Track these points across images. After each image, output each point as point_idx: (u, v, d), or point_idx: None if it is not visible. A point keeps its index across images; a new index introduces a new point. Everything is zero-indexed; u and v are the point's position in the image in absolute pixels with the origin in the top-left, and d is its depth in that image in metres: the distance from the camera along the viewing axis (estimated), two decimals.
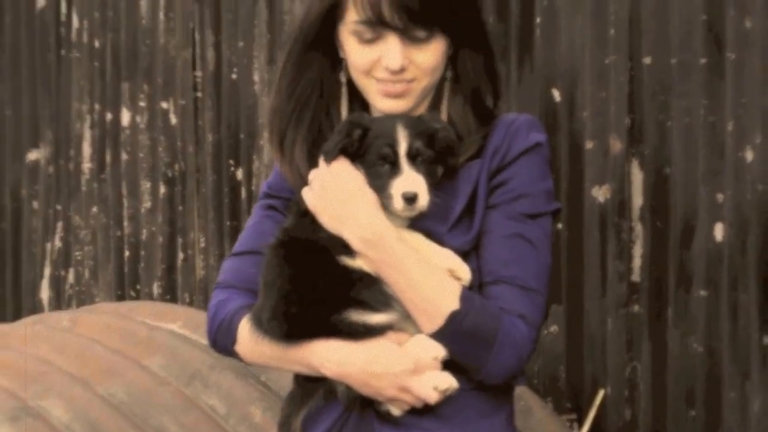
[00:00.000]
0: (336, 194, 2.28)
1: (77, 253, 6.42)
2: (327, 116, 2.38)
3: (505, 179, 2.26)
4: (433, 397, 2.13)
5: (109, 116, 6.22)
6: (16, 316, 6.37)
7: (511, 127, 2.30)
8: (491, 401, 2.33)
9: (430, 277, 2.20)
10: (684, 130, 4.05)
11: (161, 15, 6.15)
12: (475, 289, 2.26)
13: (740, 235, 3.88)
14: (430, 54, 2.29)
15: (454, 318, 2.12)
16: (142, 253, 6.08)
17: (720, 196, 3.89)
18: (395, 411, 2.19)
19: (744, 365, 3.99)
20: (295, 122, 2.37)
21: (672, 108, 4.00)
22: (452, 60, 2.36)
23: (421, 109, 2.35)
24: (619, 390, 4.47)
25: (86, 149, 6.32)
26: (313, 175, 2.33)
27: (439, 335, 2.15)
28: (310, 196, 2.29)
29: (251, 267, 2.38)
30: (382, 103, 2.29)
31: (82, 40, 6.46)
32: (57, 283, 6.51)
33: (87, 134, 6.29)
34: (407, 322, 2.23)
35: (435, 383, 2.13)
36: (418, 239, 2.29)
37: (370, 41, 2.28)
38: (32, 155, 6.51)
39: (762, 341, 3.82)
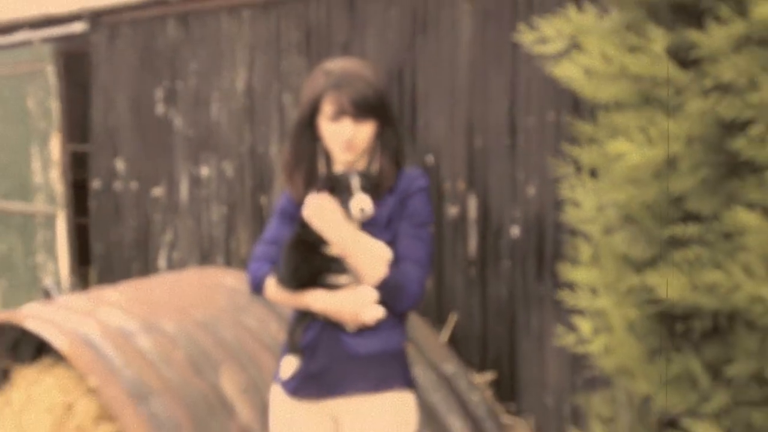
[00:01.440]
0: (322, 214, 3.22)
1: (178, 243, 7.43)
2: (311, 166, 3.36)
3: (408, 205, 3.28)
4: (371, 321, 3.21)
5: (195, 172, 7.21)
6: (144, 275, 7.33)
7: (410, 176, 3.31)
8: (397, 319, 3.30)
9: (370, 259, 3.20)
10: (496, 183, 5.12)
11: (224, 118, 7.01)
12: (392, 264, 3.22)
13: (529, 233, 4.99)
14: (367, 130, 3.24)
15: (383, 279, 3.19)
16: (213, 243, 7.09)
17: (516, 212, 4.98)
18: (350, 327, 3.26)
19: (529, 300, 5.02)
20: (296, 169, 3.37)
21: (490, 171, 5.11)
22: (380, 135, 3.30)
23: (363, 161, 3.30)
24: (463, 315, 5.42)
25: (183, 188, 7.27)
26: (309, 200, 3.24)
27: (376, 288, 3.19)
28: (308, 213, 3.22)
29: (272, 250, 3.38)
30: (343, 156, 3.25)
31: (184, 132, 7.28)
32: (168, 259, 7.47)
33: (185, 181, 7.25)
34: (357, 281, 3.27)
35: (372, 314, 3.20)
36: (366, 237, 3.23)
37: (335, 121, 3.20)
38: (156, 191, 7.47)
39: (538, 291, 4.91)
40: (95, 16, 7.83)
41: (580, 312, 3.09)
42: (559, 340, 3.28)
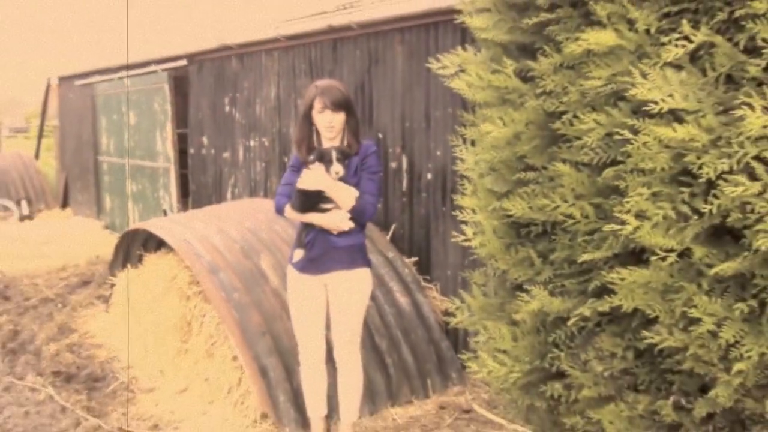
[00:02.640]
0: (315, 179, 3.25)
1: (237, 184, 7.43)
2: (310, 141, 3.37)
3: (365, 162, 3.34)
4: (347, 228, 3.31)
5: (246, 143, 7.16)
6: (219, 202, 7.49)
7: (366, 145, 3.38)
8: (360, 227, 3.37)
9: (345, 197, 3.26)
10: (417, 149, 5.02)
11: (264, 110, 7.15)
12: (358, 197, 3.25)
13: (434, 178, 4.91)
14: (340, 118, 3.30)
15: (353, 207, 3.27)
16: (257, 184, 6.88)
17: (429, 166, 4.89)
18: (334, 231, 3.32)
19: (437, 216, 4.93)
20: (301, 142, 3.38)
21: (415, 140, 5.02)
22: (347, 122, 3.34)
23: (338, 139, 3.33)
24: (398, 224, 5.23)
25: (240, 152, 7.18)
26: (305, 173, 3.28)
27: (349, 212, 3.28)
28: (305, 180, 3.26)
29: (287, 189, 3.40)
30: (327, 134, 3.30)
31: (240, 121, 7.28)
32: (232, 193, 7.29)
33: (241, 148, 7.15)
34: (338, 208, 3.30)
35: (346, 224, 3.30)
36: (342, 185, 3.26)
37: (322, 113, 3.28)
38: (225, 154, 7.42)
39: (443, 210, 4.96)
40: (191, 56, 7.82)
41: (465, 223, 3.05)
42: (455, 239, 3.20)
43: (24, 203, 11.84)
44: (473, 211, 3.03)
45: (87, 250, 8.71)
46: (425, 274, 5.08)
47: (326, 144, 3.37)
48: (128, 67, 9.02)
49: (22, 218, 11.57)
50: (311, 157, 3.29)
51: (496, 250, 2.88)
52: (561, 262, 2.62)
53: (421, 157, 5.09)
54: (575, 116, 2.41)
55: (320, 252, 3.36)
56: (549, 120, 2.55)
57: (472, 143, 3.20)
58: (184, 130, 8.16)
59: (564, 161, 2.50)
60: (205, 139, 7.78)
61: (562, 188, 2.49)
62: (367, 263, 3.49)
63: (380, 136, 5.37)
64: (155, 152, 8.64)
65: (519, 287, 2.85)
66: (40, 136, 13.51)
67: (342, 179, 3.30)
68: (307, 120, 3.38)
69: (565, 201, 2.48)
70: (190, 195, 8.04)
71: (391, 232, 5.31)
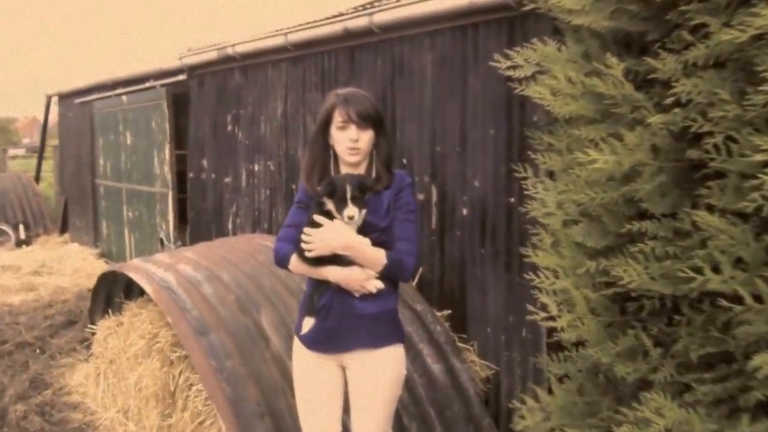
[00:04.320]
0: (329, 241, 2.40)
1: (239, 213, 6.53)
2: (324, 169, 2.55)
3: (400, 198, 2.52)
4: (374, 290, 2.46)
5: (250, 167, 6.31)
6: (219, 235, 6.37)
7: (400, 176, 2.57)
8: (393, 286, 2.56)
9: (373, 254, 2.43)
10: (451, 173, 4.12)
11: (269, 129, 6.16)
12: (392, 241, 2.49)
13: (471, 212, 3.96)
14: (367, 136, 2.48)
15: (386, 266, 2.44)
16: (261, 213, 6.07)
17: (464, 198, 4.00)
18: (357, 294, 2.47)
19: (475, 259, 3.99)
20: (313, 171, 2.55)
21: (447, 166, 4.14)
22: (375, 144, 2.54)
23: (363, 164, 2.54)
24: (426, 268, 4.35)
25: (244, 177, 6.36)
26: (312, 237, 2.43)
27: (381, 272, 2.45)
28: (315, 246, 2.42)
29: (293, 232, 2.55)
30: (349, 158, 2.49)
31: (243, 142, 6.51)
32: (233, 223, 6.52)
33: (244, 173, 6.34)
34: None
35: (376, 285, 2.46)
36: (364, 245, 2.43)
37: (343, 129, 2.47)
38: (227, 179, 6.56)
39: (481, 251, 3.90)
40: (191, 69, 6.99)
41: (537, 289, 2.35)
42: (532, 316, 2.47)
43: (21, 227, 10.96)
44: (555, 273, 2.27)
45: (79, 281, 7.89)
46: (460, 331, 4.12)
47: (346, 171, 2.59)
48: (126, 83, 8.20)
49: (19, 243, 10.70)
50: (319, 189, 2.50)
51: (592, 333, 2.11)
52: (690, 355, 1.85)
53: (455, 188, 4.17)
54: (730, 139, 1.68)
55: (338, 322, 2.53)
56: (682, 145, 1.84)
57: (550, 175, 2.49)
58: (184, 152, 7.37)
59: (710, 208, 1.77)
60: (205, 162, 6.95)
61: (705, 249, 1.74)
62: (400, 337, 2.64)
63: (405, 161, 4.49)
64: (153, 176, 7.85)
65: (623, 386, 2.11)
66: (40, 157, 12.67)
67: (374, 216, 2.51)
68: (322, 139, 2.59)
69: (717, 270, 1.69)
70: (188, 223, 7.29)
71: (417, 277, 4.39)
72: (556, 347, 2.61)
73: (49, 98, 11.47)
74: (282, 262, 2.57)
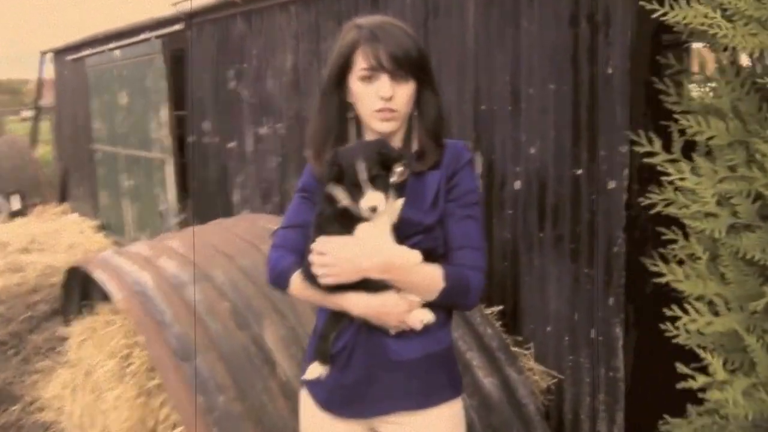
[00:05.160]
0: (358, 250, 1.66)
1: (246, 184, 5.89)
2: (341, 140, 1.81)
3: (457, 182, 1.78)
4: (419, 326, 1.71)
5: (256, 130, 5.68)
6: (224, 208, 5.92)
7: (454, 149, 1.82)
8: (446, 315, 1.83)
9: (423, 275, 1.69)
10: (501, 138, 3.46)
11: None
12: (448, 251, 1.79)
13: (526, 187, 3.38)
14: (407, 90, 1.73)
15: (443, 292, 1.69)
16: (271, 187, 5.44)
17: (517, 170, 3.37)
18: (392, 330, 1.73)
19: (531, 244, 3.39)
20: (324, 141, 1.80)
21: (496, 131, 3.47)
22: (418, 102, 1.80)
23: (400, 133, 1.81)
24: None
25: (250, 142, 5.67)
26: (313, 255, 1.70)
27: (435, 301, 1.72)
28: (350, 253, 1.67)
29: (295, 235, 1.82)
30: (379, 126, 1.74)
31: (248, 101, 5.82)
32: (240, 195, 5.93)
33: (250, 137, 5.66)
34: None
35: (421, 318, 1.72)
36: (404, 251, 1.71)
37: (370, 80, 1.73)
38: (231, 145, 5.81)
39: (539, 234, 3.32)
40: (189, 17, 6.25)
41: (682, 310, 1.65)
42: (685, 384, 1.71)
43: (16, 197, 10.28)
44: (710, 302, 1.59)
45: (72, 260, 7.12)
46: (513, 332, 3.47)
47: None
48: (118, 36, 7.47)
49: (12, 215, 10.02)
50: (321, 172, 1.78)
51: None
52: None
53: (506, 157, 3.46)
54: None
55: (364, 374, 1.78)
56: None
57: (707, 153, 1.71)
58: (184, 113, 6.63)
59: None
60: (206, 125, 6.22)
61: None
62: (456, 387, 1.87)
63: None
64: (150, 140, 7.17)
65: None
66: (36, 120, 11.92)
67: (414, 212, 1.75)
68: (337, 96, 1.82)
69: None
70: (190, 195, 6.62)
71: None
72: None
73: (43, 55, 10.70)
74: (279, 281, 1.82)
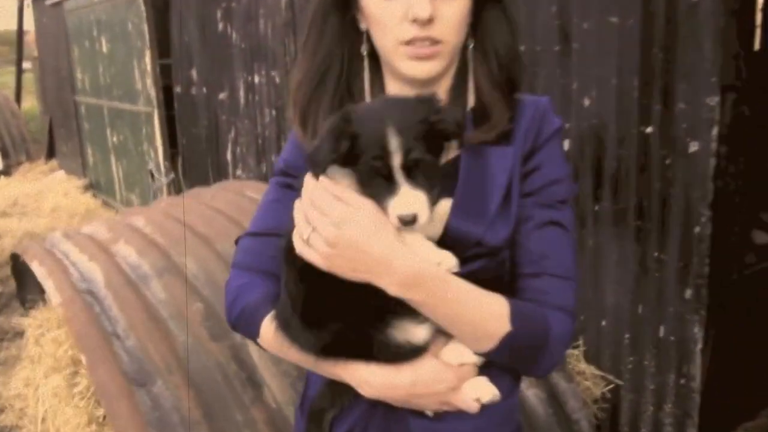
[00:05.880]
0: (353, 233, 1.01)
1: (239, 140, 5.32)
2: (348, 91, 1.21)
3: (538, 164, 1.16)
4: (475, 408, 1.10)
5: (249, 79, 5.08)
6: (216, 168, 5.46)
7: (537, 111, 1.18)
8: (510, 383, 1.22)
9: (476, 304, 1.07)
10: (545, 88, 2.86)
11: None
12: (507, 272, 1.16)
13: (578, 147, 2.79)
14: (456, 6, 1.11)
15: (507, 339, 1.07)
16: (267, 144, 4.89)
17: (567, 125, 2.78)
18: (430, 412, 1.14)
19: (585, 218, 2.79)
20: (317, 94, 1.19)
21: (538, 76, 2.86)
22: (474, 30, 1.18)
23: (446, 81, 1.19)
24: None
25: (242, 92, 5.08)
26: (311, 199, 1.05)
27: (490, 354, 1.09)
28: (318, 243, 1.03)
29: (269, 249, 1.21)
30: (411, 68, 1.13)
31: (239, 45, 5.19)
32: (233, 153, 5.32)
33: (242, 87, 5.05)
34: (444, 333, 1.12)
35: (477, 395, 1.10)
36: (416, 240, 1.06)
37: None
38: (222, 96, 5.18)
39: (594, 207, 2.75)
40: None
41: None
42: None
43: None
44: None
45: (58, 225, 6.61)
46: None
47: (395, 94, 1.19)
48: None
49: None
50: (312, 148, 1.04)
51: None
52: None
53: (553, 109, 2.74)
54: None
55: None
56: None
57: None
58: (169, 61, 5.96)
59: None
60: (194, 73, 5.56)
61: None
62: None
63: None
64: (135, 91, 6.51)
65: None
66: (19, 72, 11.24)
67: (468, 234, 1.10)
68: (339, 20, 1.19)
69: None
70: (179, 153, 6.02)
71: None
72: None
73: (21, 2, 10.01)
74: (242, 325, 1.22)
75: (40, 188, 8.21)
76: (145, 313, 2.21)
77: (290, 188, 1.21)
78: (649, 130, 2.51)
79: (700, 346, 2.51)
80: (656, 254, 2.56)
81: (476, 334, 1.06)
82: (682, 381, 2.59)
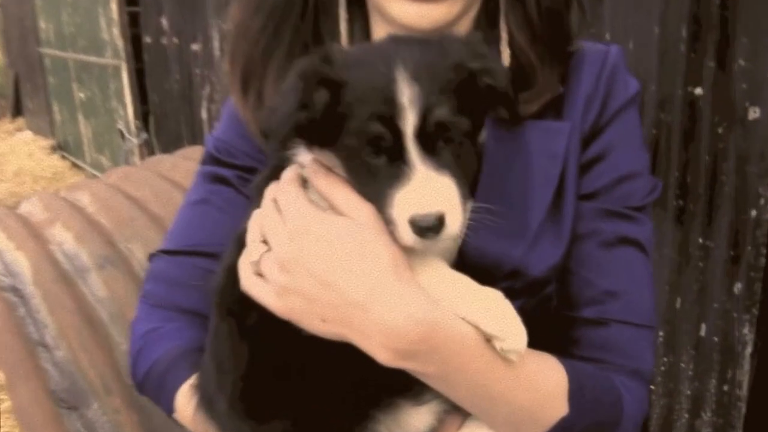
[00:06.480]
0: (315, 251, 0.67)
1: (214, 97, 4.91)
2: (315, 38, 0.88)
3: (605, 150, 0.87)
4: None
5: (225, 27, 4.66)
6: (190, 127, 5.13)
7: (605, 67, 0.89)
8: None
9: (519, 376, 0.74)
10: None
11: None
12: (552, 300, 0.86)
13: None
14: None
15: (561, 425, 0.77)
16: None
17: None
18: None
19: None
20: (267, 46, 0.88)
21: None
22: None
23: (465, 26, 0.87)
24: None
25: (217, 42, 4.79)
26: (269, 209, 0.74)
27: None
28: (272, 270, 0.70)
29: (191, 275, 0.91)
30: (408, 13, 0.81)
31: None
32: (208, 110, 4.96)
33: (216, 36, 4.67)
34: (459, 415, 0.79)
35: None
36: (460, 283, 0.71)
37: None
38: (195, 47, 4.81)
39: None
40: None
41: None
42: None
43: None
44: None
45: (20, 190, 6.40)
46: None
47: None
48: None
49: None
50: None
51: None
52: None
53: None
54: None
55: None
56: None
57: None
58: (137, 8, 5.60)
59: None
60: (164, 21, 5.23)
61: None
62: None
63: None
64: (101, 42, 6.13)
65: None
66: None
67: (502, 257, 0.74)
68: None
69: None
70: (150, 111, 5.68)
71: None
72: None
73: None
74: (156, 389, 0.92)
75: (4, 150, 7.86)
76: (79, 315, 1.83)
77: (223, 182, 0.93)
78: (698, 91, 2.26)
79: (750, 349, 2.28)
80: (701, 240, 2.34)
81: (517, 419, 0.75)
82: (725, 387, 2.37)
